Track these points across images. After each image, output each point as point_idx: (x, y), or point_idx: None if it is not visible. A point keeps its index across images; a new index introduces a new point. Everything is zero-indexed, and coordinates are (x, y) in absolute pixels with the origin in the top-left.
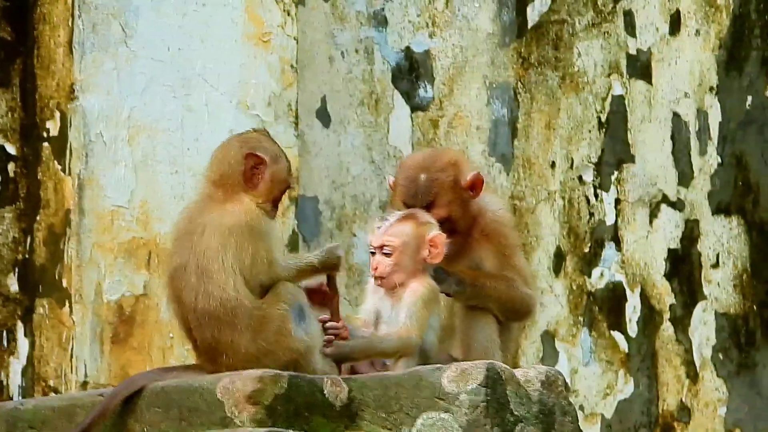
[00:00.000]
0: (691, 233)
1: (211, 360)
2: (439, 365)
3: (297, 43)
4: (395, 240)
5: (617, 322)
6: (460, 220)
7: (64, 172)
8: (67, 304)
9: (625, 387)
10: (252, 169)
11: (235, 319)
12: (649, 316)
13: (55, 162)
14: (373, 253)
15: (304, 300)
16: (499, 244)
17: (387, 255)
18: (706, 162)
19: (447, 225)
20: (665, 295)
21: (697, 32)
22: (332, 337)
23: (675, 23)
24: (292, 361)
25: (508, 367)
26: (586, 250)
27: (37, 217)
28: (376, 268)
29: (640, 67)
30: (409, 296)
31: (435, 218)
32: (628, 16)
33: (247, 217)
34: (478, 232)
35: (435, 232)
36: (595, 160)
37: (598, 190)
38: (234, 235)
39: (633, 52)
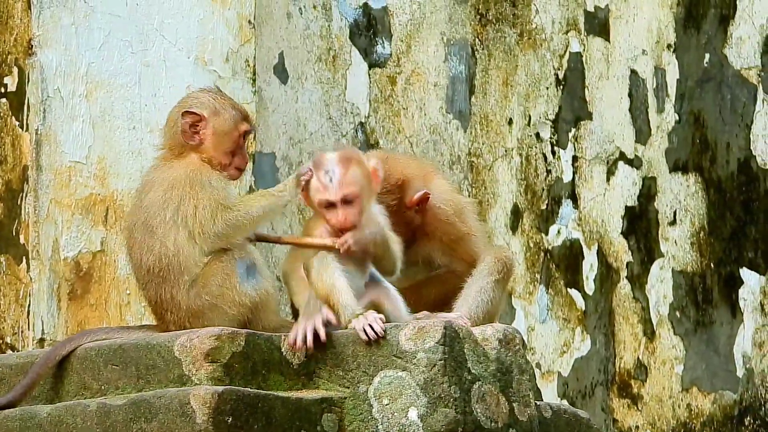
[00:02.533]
0: (648, 191)
1: (159, 317)
2: (396, 323)
3: None
4: (354, 187)
5: (574, 279)
6: (404, 231)
7: (21, 128)
8: (24, 260)
9: (582, 345)
10: (191, 127)
11: (174, 274)
12: (606, 274)
13: (13, 118)
14: (330, 206)
15: (257, 256)
16: (448, 239)
17: (349, 203)
18: (664, 119)
19: None
20: (622, 253)
21: None
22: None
23: None
24: (240, 315)
25: (465, 324)
26: (543, 207)
27: None
28: (345, 220)
29: (598, 24)
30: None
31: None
32: None
33: (188, 169)
34: (422, 230)
35: (373, 162)
36: (552, 117)
37: (556, 148)
38: (174, 188)
39: (591, 9)
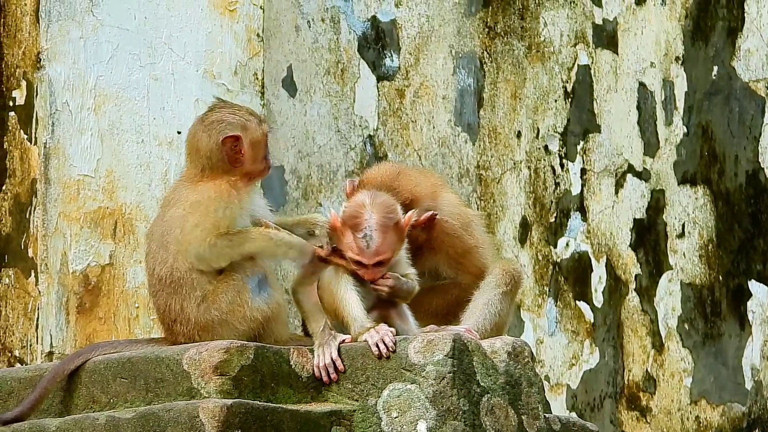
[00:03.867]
0: (656, 203)
1: (168, 328)
2: (405, 336)
3: (263, 11)
4: (389, 254)
5: (583, 292)
6: (411, 246)
7: (30, 141)
8: (32, 274)
9: (591, 357)
10: (232, 151)
11: (186, 289)
12: (615, 287)
13: (21, 131)
14: (361, 264)
15: (268, 270)
16: (455, 252)
17: (381, 264)
18: (672, 132)
19: None
20: (631, 265)
21: (663, 2)
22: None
23: None
24: (251, 330)
25: (474, 337)
26: (552, 220)
27: (3, 187)
28: (373, 277)
29: (606, 37)
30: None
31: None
32: None
33: (212, 194)
34: (429, 244)
35: (403, 218)
36: (560, 129)
37: (564, 160)
38: (195, 210)
39: (599, 21)
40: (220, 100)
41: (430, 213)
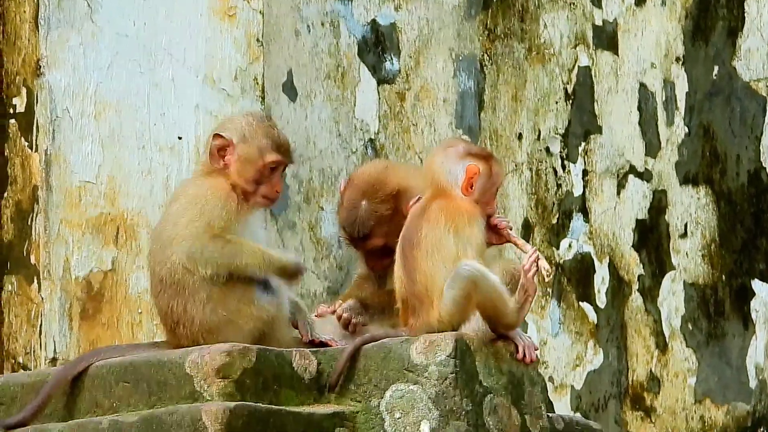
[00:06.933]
0: (659, 204)
1: (170, 330)
2: (408, 337)
3: (263, 16)
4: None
5: (586, 293)
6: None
7: (31, 148)
8: (35, 280)
9: (595, 358)
10: (219, 151)
11: (189, 290)
12: (618, 287)
13: (22, 138)
14: None
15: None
16: None
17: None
18: (674, 132)
19: (384, 249)
20: (633, 266)
21: (663, 2)
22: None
23: None
24: (256, 330)
25: (476, 337)
26: (554, 221)
27: (5, 194)
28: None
29: (606, 38)
30: None
31: (370, 247)
32: None
33: (209, 189)
34: None
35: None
36: (562, 131)
37: (566, 162)
38: (193, 205)
39: (599, 23)
40: (262, 113)
41: (416, 198)
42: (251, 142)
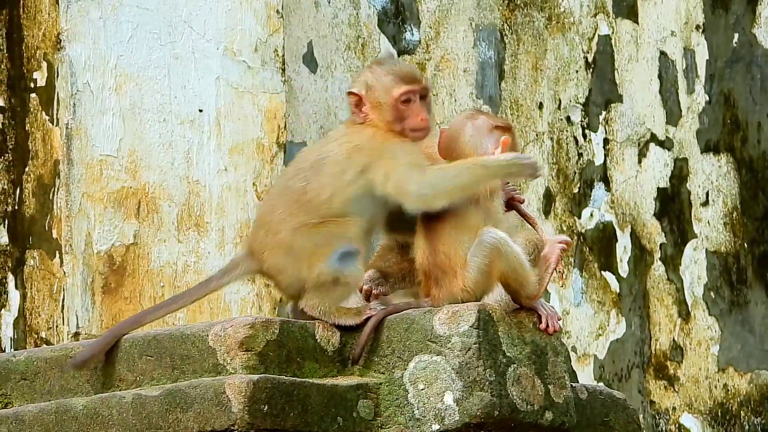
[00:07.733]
0: (680, 172)
1: (253, 232)
2: (431, 307)
3: None
4: None
5: (608, 262)
6: None
7: (52, 122)
8: (57, 255)
9: (617, 327)
10: (356, 107)
11: (299, 205)
12: (640, 256)
13: (43, 112)
14: None
15: (363, 249)
16: None
17: None
18: (694, 100)
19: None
20: (655, 235)
21: None
22: None
23: None
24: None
25: (499, 308)
26: (576, 190)
27: (26, 168)
28: None
29: (626, 7)
30: None
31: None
32: None
33: (369, 137)
34: None
35: None
36: (582, 100)
37: (587, 131)
38: (360, 151)
39: None
40: (388, 56)
41: None
42: (376, 85)
